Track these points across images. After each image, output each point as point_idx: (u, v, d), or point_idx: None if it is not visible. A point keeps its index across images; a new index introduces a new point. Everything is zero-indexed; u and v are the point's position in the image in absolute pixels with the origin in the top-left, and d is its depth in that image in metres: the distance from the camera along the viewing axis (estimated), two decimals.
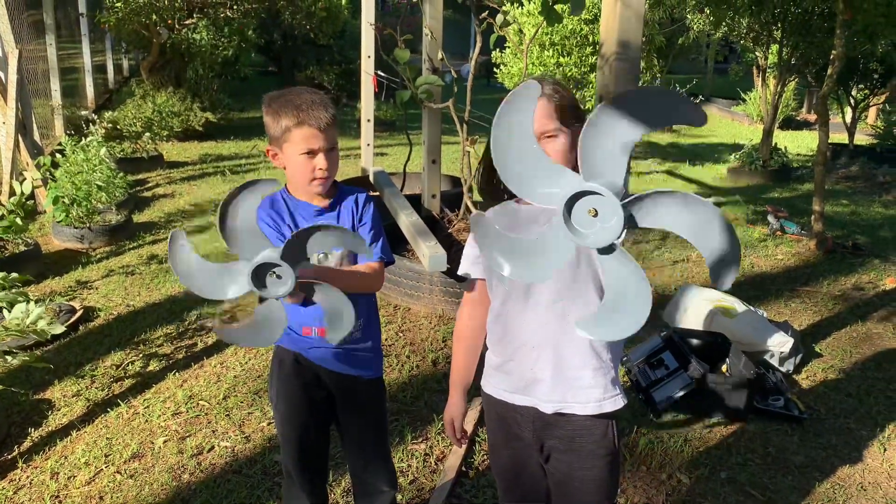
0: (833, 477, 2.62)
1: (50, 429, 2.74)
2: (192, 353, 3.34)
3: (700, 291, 3.73)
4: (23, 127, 5.35)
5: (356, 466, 1.96)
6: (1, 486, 2.41)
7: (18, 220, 4.04)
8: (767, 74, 8.77)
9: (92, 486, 2.41)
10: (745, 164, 8.15)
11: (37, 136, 5.94)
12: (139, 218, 5.40)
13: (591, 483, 1.51)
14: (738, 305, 3.59)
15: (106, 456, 2.57)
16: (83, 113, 7.92)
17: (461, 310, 1.68)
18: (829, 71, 4.98)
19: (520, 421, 1.55)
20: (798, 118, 13.15)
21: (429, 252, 3.42)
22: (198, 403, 2.92)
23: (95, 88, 9.36)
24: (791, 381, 3.31)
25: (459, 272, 1.62)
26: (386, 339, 3.50)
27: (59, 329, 3.14)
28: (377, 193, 4.74)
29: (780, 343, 3.35)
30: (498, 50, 8.25)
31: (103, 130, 5.93)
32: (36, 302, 2.89)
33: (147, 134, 7.14)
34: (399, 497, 2.33)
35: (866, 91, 9.16)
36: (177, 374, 3.15)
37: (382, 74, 9.80)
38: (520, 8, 7.32)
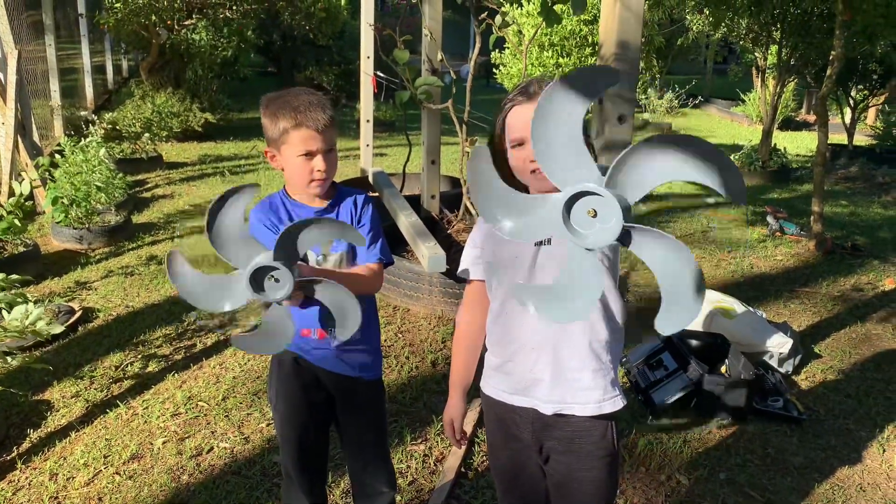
0: (832, 478, 2.62)
1: (49, 430, 2.74)
2: (192, 354, 3.34)
3: None
4: (22, 128, 5.35)
5: (355, 467, 1.96)
6: (0, 487, 2.41)
7: (17, 221, 4.04)
8: (767, 75, 8.78)
9: (91, 487, 2.41)
10: (744, 164, 8.16)
11: (36, 137, 5.94)
12: (138, 219, 5.40)
13: (590, 484, 1.51)
14: (738, 306, 3.59)
15: (105, 457, 2.57)
16: (82, 113, 7.93)
17: (460, 311, 1.68)
18: (829, 72, 4.98)
19: (519, 422, 1.55)
20: (797, 119, 13.17)
21: (428, 253, 3.42)
22: (197, 404, 2.92)
23: (95, 89, 9.35)
24: (790, 381, 3.32)
25: (459, 273, 1.62)
26: (385, 340, 3.50)
27: (59, 329, 3.14)
28: (376, 194, 4.74)
29: (779, 344, 3.35)
30: (497, 51, 8.26)
31: (102, 131, 5.93)
32: (35, 303, 2.90)
33: (146, 134, 7.15)
34: (398, 498, 2.33)
35: (865, 92, 9.17)
36: (176, 375, 3.15)
37: (382, 75, 9.80)
38: (519, 9, 7.33)
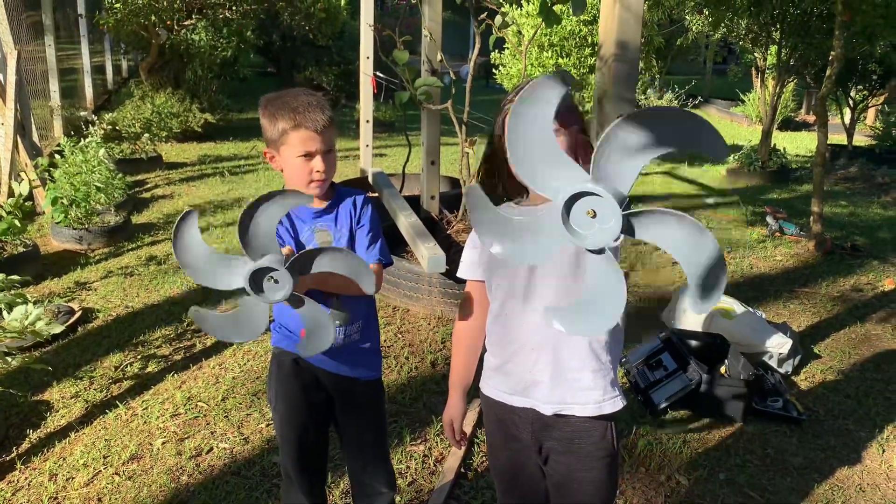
0: (832, 478, 2.62)
1: (48, 430, 2.74)
2: (191, 355, 3.34)
3: None
4: (21, 128, 5.34)
5: (355, 468, 1.96)
6: None
7: (17, 222, 4.04)
8: (766, 75, 8.78)
9: (90, 488, 2.41)
10: (743, 165, 8.16)
11: (35, 138, 5.94)
12: (138, 219, 5.40)
13: (589, 485, 1.51)
14: (737, 307, 3.59)
15: (104, 457, 2.57)
16: (82, 114, 7.93)
17: (460, 311, 1.68)
18: (828, 72, 4.98)
19: (518, 422, 1.55)
20: (797, 119, 13.17)
21: (428, 253, 3.42)
22: (196, 405, 2.92)
23: (94, 89, 9.36)
24: (790, 382, 3.32)
25: (458, 274, 1.62)
26: (385, 341, 3.50)
27: (58, 330, 3.14)
28: (376, 195, 4.74)
29: (778, 344, 3.35)
30: (497, 51, 8.26)
31: (102, 131, 5.93)
32: (34, 303, 2.90)
33: (146, 135, 7.15)
34: (398, 498, 2.33)
35: (865, 92, 9.17)
36: (175, 375, 3.15)
37: (381, 75, 9.79)
38: (519, 9, 7.32)
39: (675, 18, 9.96)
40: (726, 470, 2.64)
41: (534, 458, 1.57)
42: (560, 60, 7.69)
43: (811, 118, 12.75)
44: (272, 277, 1.24)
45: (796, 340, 3.45)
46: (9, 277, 2.87)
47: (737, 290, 4.30)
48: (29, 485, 2.42)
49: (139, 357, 3.31)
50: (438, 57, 4.21)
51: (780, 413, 2.97)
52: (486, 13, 3.89)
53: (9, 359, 2.69)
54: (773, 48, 8.14)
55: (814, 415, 3.05)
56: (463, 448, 2.50)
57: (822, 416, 3.05)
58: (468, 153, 4.22)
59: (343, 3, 11.61)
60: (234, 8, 8.72)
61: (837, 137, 9.09)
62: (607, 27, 2.45)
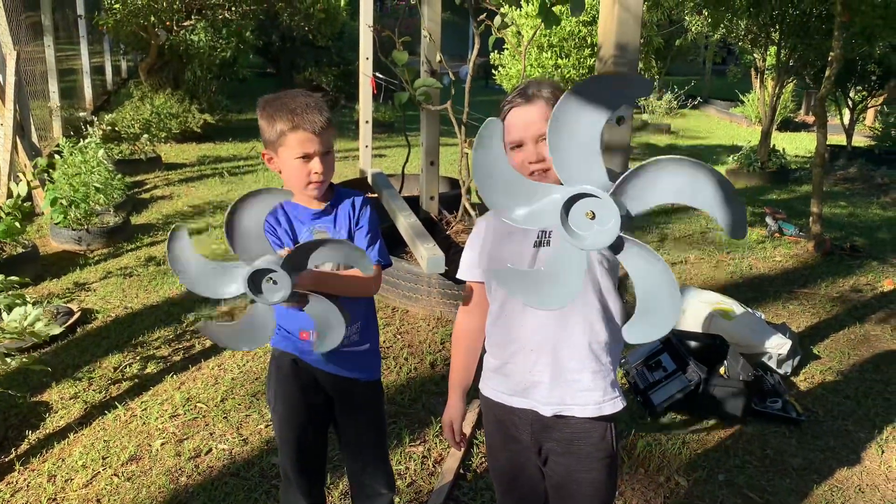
0: (831, 479, 2.62)
1: (47, 431, 2.73)
2: (190, 356, 3.34)
3: (698, 293, 3.73)
4: (21, 129, 5.34)
5: (354, 469, 1.95)
6: None
7: (16, 223, 4.04)
8: (766, 76, 8.79)
9: (89, 489, 2.41)
10: (743, 165, 8.16)
11: (35, 138, 5.93)
12: (137, 220, 5.39)
13: (589, 486, 1.51)
14: (737, 307, 3.59)
15: (103, 458, 2.57)
16: (81, 114, 7.93)
17: (460, 312, 1.68)
18: (827, 73, 4.99)
19: (518, 423, 1.55)
20: (796, 120, 13.18)
21: (427, 254, 3.41)
22: (195, 406, 2.92)
23: (94, 90, 9.35)
24: (789, 383, 3.32)
25: (458, 275, 1.62)
26: (384, 342, 3.50)
27: (57, 331, 3.15)
28: (375, 195, 4.74)
29: (778, 345, 3.35)
30: (496, 52, 8.27)
31: (101, 132, 5.93)
32: (34, 304, 2.90)
33: (145, 135, 7.15)
34: (397, 499, 2.33)
35: (864, 93, 9.18)
36: (174, 376, 3.15)
37: (381, 76, 9.80)
38: (518, 10, 7.33)
39: (675, 19, 9.98)
40: (725, 471, 2.64)
41: (533, 459, 1.57)
42: (559, 61, 7.70)
43: (810, 119, 12.75)
44: (270, 279, 1.24)
45: (795, 341, 3.45)
46: (8, 278, 2.87)
47: (736, 291, 4.30)
48: (28, 486, 2.42)
49: (138, 358, 3.31)
50: (438, 57, 4.22)
51: (780, 414, 2.97)
52: (485, 14, 3.89)
53: (8, 360, 2.69)
54: (773, 49, 8.14)
55: (813, 416, 3.04)
56: (462, 449, 2.50)
57: (822, 416, 3.05)
58: (468, 154, 4.22)
59: (342, 3, 11.62)
60: (233, 8, 8.73)
61: (837, 138, 9.10)
62: (606, 28, 2.45)
